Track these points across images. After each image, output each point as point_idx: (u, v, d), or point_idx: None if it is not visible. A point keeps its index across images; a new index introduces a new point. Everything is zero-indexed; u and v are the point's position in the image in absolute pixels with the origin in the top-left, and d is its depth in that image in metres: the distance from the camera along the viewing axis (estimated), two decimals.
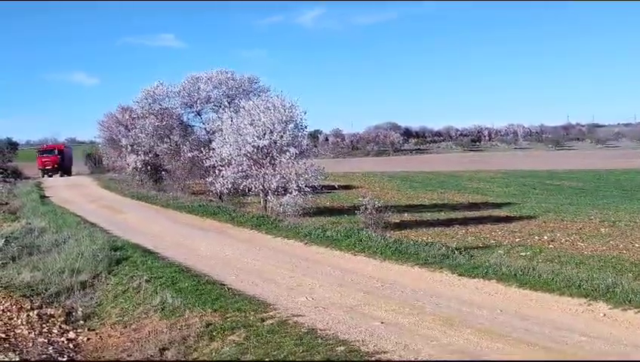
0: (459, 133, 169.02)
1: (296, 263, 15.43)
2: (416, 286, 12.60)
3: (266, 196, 25.84)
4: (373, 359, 8.11)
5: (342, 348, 8.74)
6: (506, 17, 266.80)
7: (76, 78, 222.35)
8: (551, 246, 22.44)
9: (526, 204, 38.49)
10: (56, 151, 71.48)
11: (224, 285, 13.07)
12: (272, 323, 10.19)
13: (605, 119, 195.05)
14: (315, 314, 10.62)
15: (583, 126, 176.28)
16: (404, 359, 6.91)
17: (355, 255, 16.00)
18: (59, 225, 22.80)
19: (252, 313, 10.85)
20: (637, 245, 22.11)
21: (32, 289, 14.59)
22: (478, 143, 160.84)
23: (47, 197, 37.86)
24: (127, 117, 43.31)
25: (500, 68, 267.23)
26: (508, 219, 30.62)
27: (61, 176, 66.73)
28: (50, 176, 67.17)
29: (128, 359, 9.90)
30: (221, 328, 10.22)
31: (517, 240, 24.04)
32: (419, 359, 7.13)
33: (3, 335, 11.57)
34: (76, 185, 47.07)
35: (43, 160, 69.06)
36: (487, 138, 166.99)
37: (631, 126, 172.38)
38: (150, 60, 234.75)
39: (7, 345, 11.04)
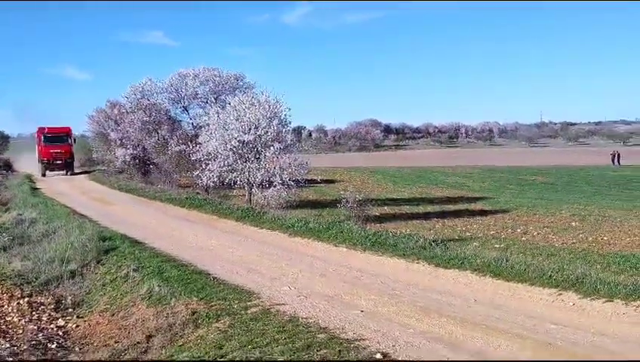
0: (437, 130, 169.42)
1: (279, 254, 15.44)
2: (395, 276, 12.65)
3: (251, 189, 25.81)
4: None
5: (322, 335, 8.77)
6: (484, 19, 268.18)
7: (68, 73, 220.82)
8: (524, 238, 22.59)
9: (500, 198, 38.67)
10: (67, 138, 50.49)
11: (209, 274, 13.05)
12: (255, 312, 10.20)
13: (577, 118, 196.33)
14: (297, 303, 10.64)
15: (555, 124, 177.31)
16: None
17: (336, 246, 16.02)
18: (49, 216, 22.67)
19: (236, 301, 10.86)
20: (605, 238, 22.31)
21: (23, 278, 14.56)
22: (455, 140, 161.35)
23: (38, 189, 37.60)
24: (117, 112, 43.12)
25: (477, 67, 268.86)
26: (483, 213, 30.77)
27: (67, 174, 49.03)
28: (54, 171, 49.20)
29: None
30: (206, 316, 10.23)
31: (491, 232, 24.18)
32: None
33: None
34: (66, 178, 46.80)
35: (51, 150, 48.48)
36: (463, 135, 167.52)
37: (601, 124, 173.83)
38: (140, 56, 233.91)
39: None
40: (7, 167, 57.12)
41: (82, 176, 48.49)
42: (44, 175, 48.19)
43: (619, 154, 79.40)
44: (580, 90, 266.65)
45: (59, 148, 48.97)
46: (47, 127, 50.71)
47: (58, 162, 49.16)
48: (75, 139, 52.32)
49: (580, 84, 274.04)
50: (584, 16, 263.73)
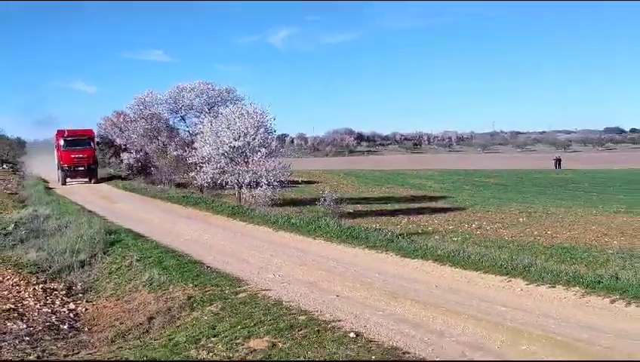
0: (403, 137, 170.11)
1: (265, 246, 15.41)
2: (366, 265, 12.68)
3: (240, 189, 25.83)
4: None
5: (303, 317, 8.77)
6: (443, 40, 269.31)
7: (77, 86, 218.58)
8: (478, 232, 22.71)
9: (458, 197, 38.87)
10: (89, 142, 40.78)
11: (204, 264, 13.02)
12: (244, 296, 10.19)
13: (525, 127, 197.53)
14: (281, 289, 10.63)
15: (506, 133, 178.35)
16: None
17: (315, 239, 16.02)
18: (61, 212, 22.48)
19: (227, 287, 10.84)
20: (549, 232, 22.50)
21: (38, 267, 14.47)
22: (419, 146, 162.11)
23: (51, 188, 37.23)
24: (122, 120, 42.89)
25: (439, 82, 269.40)
26: (443, 210, 30.91)
27: (90, 182, 39.82)
28: (76, 178, 40.14)
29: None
30: (201, 300, 10.20)
31: (450, 227, 24.27)
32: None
33: (13, 306, 11.49)
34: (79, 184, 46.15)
35: (71, 155, 39.07)
36: (426, 142, 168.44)
37: (545, 133, 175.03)
38: (142, 72, 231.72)
39: (16, 314, 10.98)
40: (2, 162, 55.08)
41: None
42: (64, 183, 38.99)
43: (560, 160, 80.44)
44: (527, 102, 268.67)
45: (81, 153, 39.34)
46: (67, 130, 40.77)
47: (80, 168, 39.76)
48: (98, 143, 43.41)
49: (528, 97, 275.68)
50: (528, 36, 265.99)
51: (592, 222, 25.36)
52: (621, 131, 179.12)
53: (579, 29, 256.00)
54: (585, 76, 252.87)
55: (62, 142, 39.66)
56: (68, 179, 39.68)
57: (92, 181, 39.83)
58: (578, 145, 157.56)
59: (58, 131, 41.47)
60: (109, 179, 42.28)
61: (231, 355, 7.55)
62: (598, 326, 8.09)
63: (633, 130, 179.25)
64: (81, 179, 40.53)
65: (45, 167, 46.32)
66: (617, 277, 10.17)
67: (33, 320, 10.76)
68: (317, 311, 9.03)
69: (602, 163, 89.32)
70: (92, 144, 40.83)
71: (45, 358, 8.33)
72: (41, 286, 13.05)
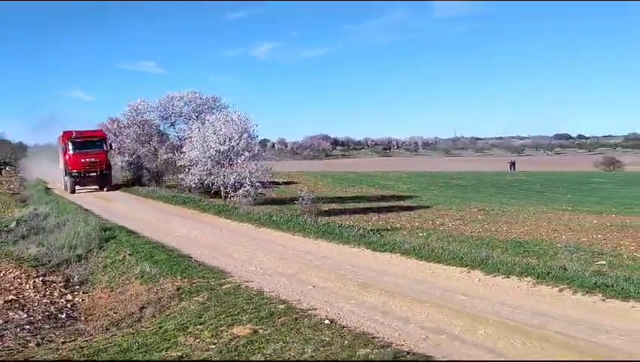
0: (374, 142, 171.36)
1: (248, 241, 15.37)
2: (340, 258, 12.70)
3: (226, 189, 25.73)
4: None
5: (282, 306, 8.76)
6: (408, 53, 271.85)
7: (76, 95, 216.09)
8: (441, 228, 22.85)
9: (423, 197, 39.05)
10: (102, 144, 33.56)
11: (191, 258, 12.95)
12: (228, 287, 10.16)
13: (483, 133, 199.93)
14: (262, 280, 10.61)
15: (466, 139, 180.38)
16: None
17: (294, 235, 16.02)
18: (60, 210, 22.26)
19: (213, 279, 10.80)
20: (504, 228, 22.71)
21: (38, 261, 14.40)
22: (388, 151, 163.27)
23: (50, 189, 36.75)
24: (116, 126, 42.43)
25: (406, 92, 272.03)
26: (410, 208, 31.05)
27: (104, 189, 33.09)
28: (86, 186, 33.25)
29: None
30: (188, 291, 10.15)
31: (416, 224, 24.39)
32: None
33: (14, 297, 11.46)
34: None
35: (81, 159, 32.23)
36: (395, 147, 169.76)
37: (502, 139, 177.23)
38: (135, 82, 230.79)
39: (18, 305, 10.96)
40: (6, 164, 53.89)
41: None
42: (73, 191, 32.14)
43: (514, 163, 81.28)
44: (485, 110, 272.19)
45: (92, 157, 32.33)
46: (76, 131, 33.49)
47: (92, 175, 32.56)
48: (111, 145, 35.24)
49: (486, 105, 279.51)
50: (485, 50, 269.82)
51: (543, 219, 25.67)
52: (569, 137, 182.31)
53: (530, 43, 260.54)
54: (537, 86, 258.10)
55: (70, 144, 32.50)
56: (77, 187, 32.78)
57: (105, 189, 33.02)
58: (531, 149, 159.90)
59: (64, 133, 33.95)
60: None
61: (216, 341, 7.53)
62: (548, 312, 8.20)
63: (580, 137, 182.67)
64: (91, 187, 33.57)
65: (49, 170, 43.42)
66: (565, 269, 10.31)
67: (33, 310, 10.68)
68: (295, 301, 9.04)
69: (552, 166, 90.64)
70: (104, 146, 33.48)
71: (44, 345, 8.24)
72: (40, 278, 12.95)
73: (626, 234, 21.11)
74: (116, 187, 34.42)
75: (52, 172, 40.85)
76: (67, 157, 32.74)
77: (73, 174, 32.48)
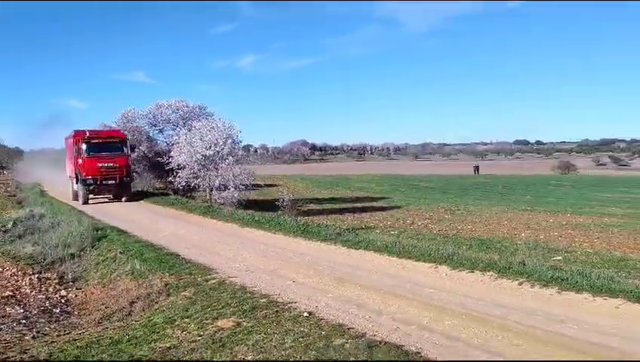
0: (350, 148, 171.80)
1: (233, 240, 15.26)
2: (318, 255, 12.67)
3: (211, 191, 25.59)
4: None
5: (264, 299, 8.72)
6: (379, 66, 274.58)
7: (71, 103, 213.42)
8: (411, 227, 23.01)
9: (395, 198, 39.30)
10: (122, 147, 27.13)
11: (179, 256, 12.82)
12: (214, 283, 10.08)
13: (450, 140, 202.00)
14: (245, 276, 10.54)
15: (434, 144, 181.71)
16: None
17: (275, 234, 15.95)
18: (54, 211, 21.91)
19: (199, 275, 10.71)
20: (469, 226, 22.95)
21: (34, 259, 14.22)
22: (363, 155, 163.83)
23: (46, 191, 36.15)
24: None
25: (380, 101, 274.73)
26: (382, 209, 31.23)
27: (122, 200, 26.74)
28: (102, 194, 27.24)
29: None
30: (176, 286, 10.05)
31: (388, 223, 24.54)
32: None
33: (11, 293, 11.33)
34: (66, 183, 44.71)
35: (98, 163, 25.93)
36: (369, 152, 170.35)
37: (467, 145, 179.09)
38: (126, 91, 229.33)
39: (14, 300, 10.84)
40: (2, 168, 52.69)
41: None
42: (85, 201, 25.81)
43: (478, 167, 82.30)
44: (451, 118, 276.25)
45: (111, 161, 25.91)
46: (90, 131, 27.37)
47: (109, 182, 26.05)
48: (132, 147, 28.61)
49: (452, 113, 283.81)
50: (451, 62, 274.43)
51: (504, 218, 26.00)
52: (527, 143, 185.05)
53: (492, 57, 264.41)
54: (499, 96, 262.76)
55: (84, 146, 25.86)
56: (91, 196, 26.54)
57: (124, 199, 26.75)
58: (493, 154, 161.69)
59: (75, 132, 27.61)
60: None
61: (202, 333, 7.47)
62: (509, 304, 8.27)
63: (538, 143, 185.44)
64: (107, 195, 27.50)
65: (47, 175, 41.12)
66: (524, 264, 10.39)
67: (29, 305, 10.54)
68: (276, 295, 8.99)
69: (512, 169, 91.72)
70: (125, 149, 26.93)
71: (40, 338, 8.11)
72: (36, 275, 12.79)
73: (580, 232, 21.47)
74: (136, 196, 27.97)
75: (51, 177, 39.87)
76: (80, 161, 25.92)
77: (88, 181, 25.81)
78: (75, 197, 27.37)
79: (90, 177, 25.79)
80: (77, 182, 26.75)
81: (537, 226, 23.21)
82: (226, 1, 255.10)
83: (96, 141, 26.36)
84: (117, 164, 26.07)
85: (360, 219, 26.04)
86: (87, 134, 26.62)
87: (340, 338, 6.82)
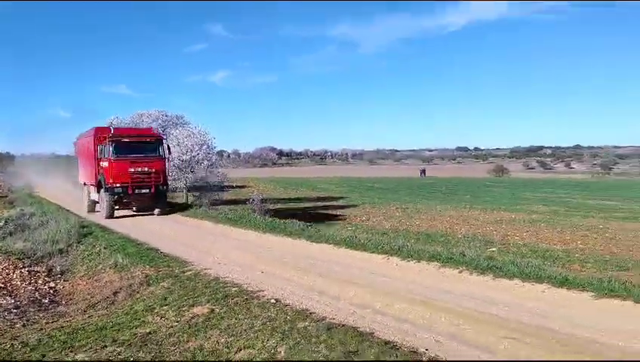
0: (312, 153, 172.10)
1: (207, 236, 15.12)
2: (284, 249, 12.67)
3: (188, 192, 25.33)
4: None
5: (235, 288, 8.68)
6: (337, 80, 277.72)
7: (57, 113, 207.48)
8: (367, 223, 23.23)
9: (352, 198, 39.51)
10: (158, 148, 19.32)
11: (158, 250, 12.62)
12: (190, 274, 9.97)
13: (400, 146, 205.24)
14: (219, 268, 10.46)
15: (387, 150, 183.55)
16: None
17: (246, 230, 15.85)
18: (44, 211, 21.21)
19: (177, 268, 10.57)
20: (417, 222, 23.30)
21: (24, 254, 13.78)
22: (324, 160, 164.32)
23: (36, 192, 35.00)
24: None
25: (337, 111, 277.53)
26: (341, 207, 31.39)
27: (156, 213, 19.69)
28: (130, 206, 19.92)
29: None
30: (155, 278, 9.91)
31: (347, 219, 24.72)
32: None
33: (2, 285, 11.03)
34: (57, 186, 43.20)
35: (130, 168, 18.42)
36: (329, 157, 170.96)
37: (415, 151, 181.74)
38: (109, 102, 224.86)
39: (6, 291, 10.56)
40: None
41: (68, 184, 33.09)
42: (110, 215, 18.86)
43: (425, 170, 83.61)
44: (402, 126, 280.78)
45: (146, 165, 19.00)
46: (115, 128, 20.59)
47: (143, 191, 18.98)
48: (169, 148, 20.72)
49: (402, 121, 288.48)
50: (401, 79, 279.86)
51: (447, 215, 26.48)
52: (467, 149, 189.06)
53: (436, 75, 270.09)
54: (443, 107, 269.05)
55: (111, 146, 18.58)
56: (117, 207, 19.38)
57: (156, 212, 19.91)
58: (438, 159, 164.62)
59: (96, 129, 20.53)
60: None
61: (179, 319, 7.40)
62: (451, 289, 8.44)
63: (476, 149, 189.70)
64: (132, 207, 20.33)
65: (38, 179, 38.69)
66: (464, 254, 10.63)
67: (20, 295, 10.26)
68: (246, 284, 8.96)
69: (454, 172, 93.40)
70: (161, 151, 19.59)
71: (30, 326, 7.89)
72: (26, 269, 12.43)
73: (512, 227, 22.07)
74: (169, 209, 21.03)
75: (44, 182, 38.53)
76: (106, 164, 18.91)
77: (114, 189, 18.72)
78: (92, 208, 21.06)
79: (118, 184, 18.65)
80: (98, 191, 19.99)
81: (475, 222, 23.74)
82: (198, 23, 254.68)
83: (128, 140, 19.00)
84: (152, 168, 19.11)
85: (321, 216, 26.12)
86: (112, 131, 19.56)
87: (303, 322, 6.86)
